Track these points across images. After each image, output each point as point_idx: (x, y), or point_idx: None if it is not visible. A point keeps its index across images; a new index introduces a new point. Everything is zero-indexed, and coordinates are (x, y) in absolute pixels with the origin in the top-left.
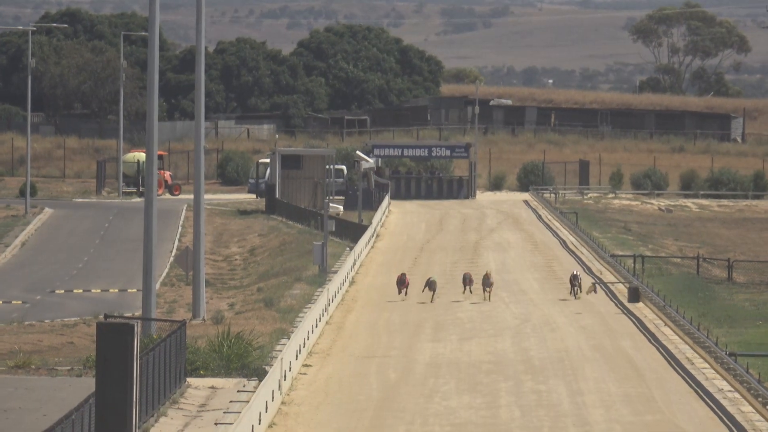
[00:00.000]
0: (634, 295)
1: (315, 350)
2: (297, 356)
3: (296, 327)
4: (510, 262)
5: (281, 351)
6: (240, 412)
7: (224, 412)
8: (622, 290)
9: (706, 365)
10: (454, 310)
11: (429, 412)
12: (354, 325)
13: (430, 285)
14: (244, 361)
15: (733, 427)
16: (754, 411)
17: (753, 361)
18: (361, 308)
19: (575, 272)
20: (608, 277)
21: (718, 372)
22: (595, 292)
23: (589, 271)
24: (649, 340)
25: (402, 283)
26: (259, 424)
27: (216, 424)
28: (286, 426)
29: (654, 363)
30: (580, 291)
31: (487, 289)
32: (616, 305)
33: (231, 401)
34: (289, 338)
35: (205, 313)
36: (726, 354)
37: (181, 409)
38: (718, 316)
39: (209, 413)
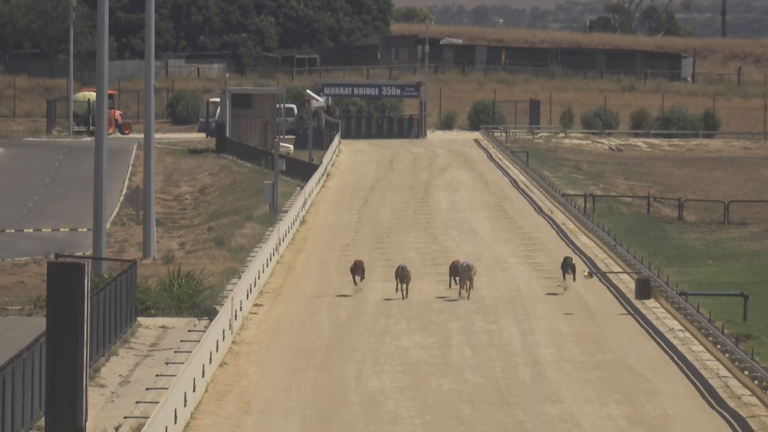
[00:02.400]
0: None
1: (266, 290)
2: (248, 296)
3: (247, 266)
4: (460, 201)
5: (232, 290)
6: (191, 352)
7: (175, 352)
8: (573, 229)
9: (657, 305)
10: (404, 250)
11: (380, 352)
12: (305, 265)
13: (402, 276)
14: (195, 300)
15: (683, 366)
16: (704, 350)
17: (704, 301)
18: (312, 248)
19: (570, 260)
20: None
21: (668, 311)
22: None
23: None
24: (600, 280)
25: (358, 268)
26: (210, 363)
27: (167, 363)
28: (237, 365)
29: (605, 303)
30: (574, 279)
31: (466, 281)
32: (567, 245)
33: (182, 341)
34: (239, 278)
35: (155, 253)
36: (677, 293)
37: (132, 348)
38: (669, 255)
39: (160, 353)
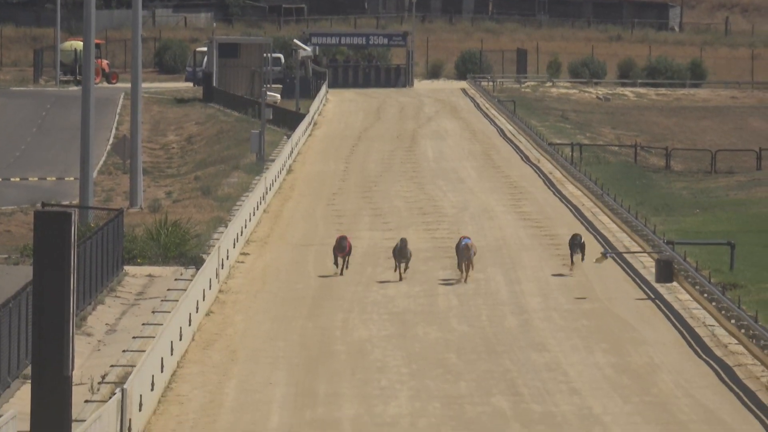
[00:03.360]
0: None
1: (252, 238)
2: (234, 244)
3: (233, 215)
4: (447, 150)
5: (219, 239)
6: (177, 301)
7: (161, 300)
8: (560, 179)
9: (644, 254)
10: (391, 199)
11: (367, 301)
12: (291, 214)
13: (401, 254)
14: (182, 249)
15: (670, 315)
16: (691, 299)
17: (690, 249)
18: (299, 197)
19: (580, 238)
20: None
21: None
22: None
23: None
24: (587, 229)
25: (342, 249)
26: (197, 312)
27: (153, 312)
28: (224, 314)
29: (592, 251)
30: (583, 259)
31: (464, 262)
32: (554, 194)
33: (168, 289)
34: (226, 226)
35: (142, 202)
36: (664, 242)
37: (119, 297)
38: (656, 204)
39: (147, 301)
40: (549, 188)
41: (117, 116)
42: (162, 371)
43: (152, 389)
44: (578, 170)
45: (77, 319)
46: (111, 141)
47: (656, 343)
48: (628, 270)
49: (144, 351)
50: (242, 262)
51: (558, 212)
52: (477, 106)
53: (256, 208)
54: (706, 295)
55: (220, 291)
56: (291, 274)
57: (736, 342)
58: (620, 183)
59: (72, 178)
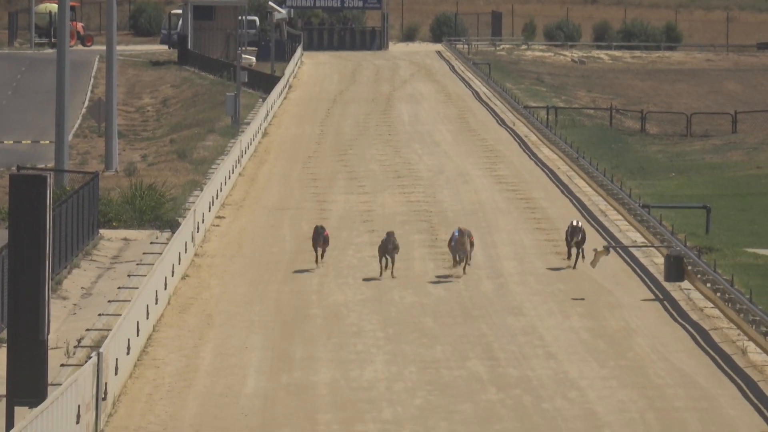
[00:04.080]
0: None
1: (228, 202)
2: (210, 208)
3: (209, 179)
4: (423, 113)
5: (194, 203)
6: (153, 264)
7: (137, 264)
8: (535, 142)
9: (620, 217)
10: (366, 162)
11: (343, 264)
12: (267, 177)
13: (387, 248)
14: (157, 212)
15: (646, 279)
16: None
17: (666, 213)
18: (274, 160)
19: (576, 223)
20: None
21: (631, 224)
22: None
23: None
24: (563, 192)
25: (319, 239)
26: (173, 275)
27: (129, 275)
28: (200, 278)
29: (567, 214)
30: (583, 256)
31: (459, 256)
32: (529, 157)
33: (144, 253)
34: (201, 190)
35: (117, 165)
36: (639, 206)
37: (94, 260)
38: (632, 167)
39: (122, 265)
40: (524, 151)
41: (92, 79)
42: (138, 335)
43: (128, 353)
44: (554, 133)
45: (53, 282)
46: (86, 104)
47: (632, 307)
48: (604, 234)
49: (120, 315)
50: (218, 225)
51: (533, 176)
52: (452, 69)
53: (231, 172)
54: None
55: (195, 255)
56: (267, 238)
57: (712, 306)
58: (596, 146)
59: (47, 142)
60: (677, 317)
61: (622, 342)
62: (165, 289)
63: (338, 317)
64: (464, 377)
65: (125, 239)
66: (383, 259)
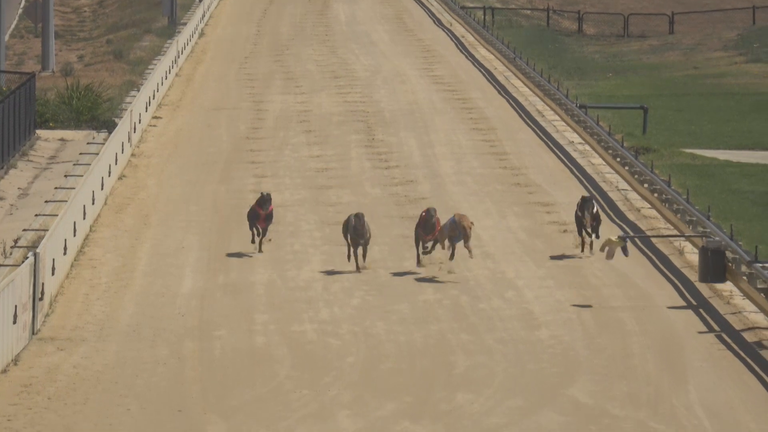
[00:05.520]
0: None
1: (165, 102)
2: (147, 108)
3: (146, 79)
4: (360, 13)
5: (131, 103)
6: (90, 165)
7: (74, 164)
8: (472, 42)
9: (557, 117)
10: (303, 63)
11: (280, 165)
12: (204, 78)
13: (356, 233)
14: (94, 113)
15: (583, 179)
16: (604, 163)
17: (603, 113)
18: (211, 60)
19: (587, 198)
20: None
21: (568, 124)
22: (626, 254)
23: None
24: (499, 93)
25: (257, 217)
26: (110, 176)
27: (66, 176)
28: (137, 178)
29: (504, 115)
30: (592, 245)
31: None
32: (466, 58)
33: (81, 153)
34: (138, 90)
35: (54, 66)
36: (576, 106)
37: (31, 161)
38: (569, 68)
39: (59, 165)
40: (461, 52)
41: None
42: (75, 235)
43: (65, 253)
44: (490, 34)
45: None
46: (23, 4)
47: (569, 208)
48: (543, 135)
49: (56, 215)
50: (154, 125)
51: (470, 76)
52: None
53: (168, 72)
54: (619, 159)
55: (132, 155)
56: (203, 138)
57: (649, 206)
58: (532, 47)
59: None
60: (614, 217)
61: (559, 241)
62: (102, 189)
63: (275, 217)
64: (401, 277)
65: (62, 140)
66: (352, 250)
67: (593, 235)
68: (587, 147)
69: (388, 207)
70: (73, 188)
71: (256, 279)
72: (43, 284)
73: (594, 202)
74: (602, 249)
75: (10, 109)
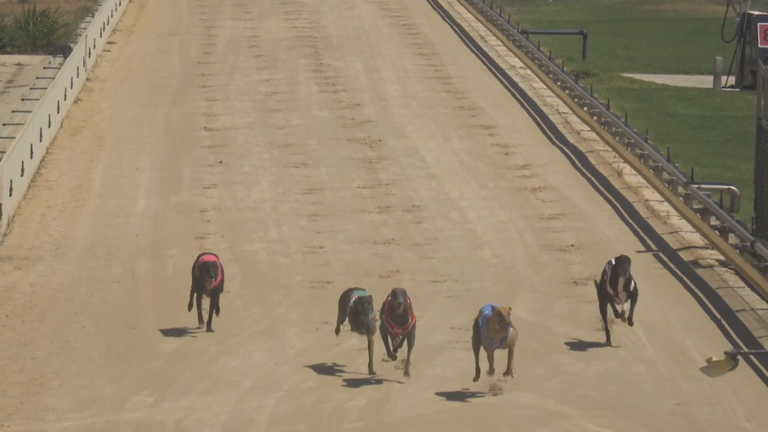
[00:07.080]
0: None
1: (119, 28)
2: (101, 34)
3: (100, 5)
4: None
5: (86, 29)
6: (46, 89)
7: (30, 89)
8: None
9: (499, 43)
10: None
11: (230, 89)
12: (156, 3)
13: (358, 321)
14: (50, 38)
15: (525, 103)
16: (545, 87)
17: (544, 39)
18: None
19: (623, 260)
20: None
21: (510, 49)
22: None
23: None
24: (443, 18)
25: (204, 287)
26: (65, 99)
27: (23, 99)
28: (92, 101)
29: (448, 40)
30: (631, 312)
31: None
32: None
33: (37, 77)
34: (93, 16)
35: None
36: (518, 32)
37: None
38: None
39: (16, 89)
40: None
41: None
42: (31, 157)
43: (22, 175)
44: None
45: None
46: None
47: (511, 130)
48: (485, 60)
49: (14, 138)
50: (109, 51)
51: (415, 2)
52: None
53: None
54: (559, 83)
55: (87, 79)
56: (156, 63)
57: (589, 129)
58: None
59: None
60: (555, 140)
61: (501, 163)
62: (58, 112)
63: (226, 139)
64: (348, 197)
65: (19, 64)
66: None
67: (626, 320)
68: (528, 71)
69: (335, 129)
70: (30, 111)
71: (207, 200)
72: (0, 205)
73: (629, 267)
74: (704, 370)
75: None
